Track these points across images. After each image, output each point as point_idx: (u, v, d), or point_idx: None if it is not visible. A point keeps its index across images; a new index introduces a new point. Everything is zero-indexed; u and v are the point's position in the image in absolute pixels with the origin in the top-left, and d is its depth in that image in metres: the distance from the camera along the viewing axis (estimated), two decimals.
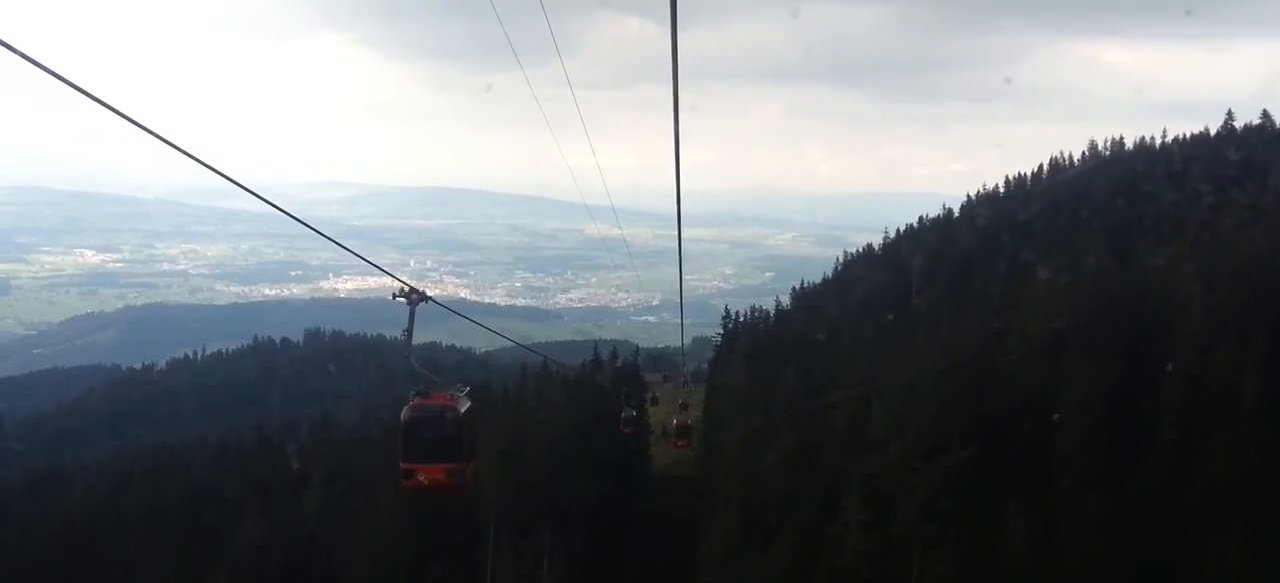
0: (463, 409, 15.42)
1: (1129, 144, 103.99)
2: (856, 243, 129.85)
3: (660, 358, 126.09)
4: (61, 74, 6.57)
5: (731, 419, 51.71)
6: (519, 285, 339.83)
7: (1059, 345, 36.80)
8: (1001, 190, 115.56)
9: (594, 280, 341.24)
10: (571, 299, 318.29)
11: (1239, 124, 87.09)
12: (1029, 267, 54.60)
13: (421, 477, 15.58)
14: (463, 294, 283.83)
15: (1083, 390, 33.95)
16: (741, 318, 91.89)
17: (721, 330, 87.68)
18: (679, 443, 55.47)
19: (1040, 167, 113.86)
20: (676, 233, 11.28)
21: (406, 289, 14.32)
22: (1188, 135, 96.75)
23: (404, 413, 15.24)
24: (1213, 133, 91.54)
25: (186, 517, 57.98)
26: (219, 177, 8.63)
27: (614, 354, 72.75)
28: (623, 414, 32.79)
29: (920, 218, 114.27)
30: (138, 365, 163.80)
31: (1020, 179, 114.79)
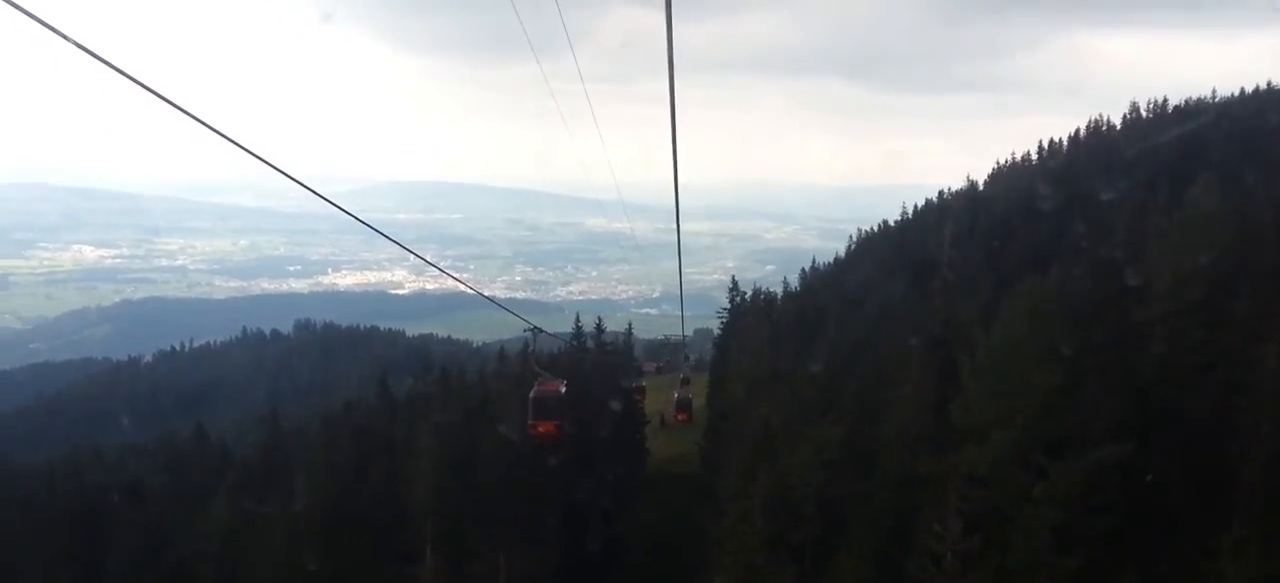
0: (562, 389, 25.35)
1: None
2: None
3: (661, 348, 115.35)
4: (94, 50, 5.86)
5: (747, 407, 39.34)
6: (519, 279, 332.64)
7: (1224, 292, 25.27)
8: (1034, 158, 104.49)
9: (594, 274, 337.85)
10: (572, 292, 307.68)
11: None
12: (1114, 212, 43.08)
13: (540, 429, 24.99)
14: (462, 289, 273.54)
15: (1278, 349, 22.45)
16: (746, 297, 79.71)
17: (726, 309, 75.61)
18: (680, 417, 45.67)
19: (1077, 130, 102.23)
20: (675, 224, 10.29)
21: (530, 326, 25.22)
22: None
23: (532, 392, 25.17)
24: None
25: (80, 524, 48.26)
26: (279, 173, 8.09)
27: (599, 328, 60.11)
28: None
29: (941, 191, 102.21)
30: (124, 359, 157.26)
31: (1053, 145, 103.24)
